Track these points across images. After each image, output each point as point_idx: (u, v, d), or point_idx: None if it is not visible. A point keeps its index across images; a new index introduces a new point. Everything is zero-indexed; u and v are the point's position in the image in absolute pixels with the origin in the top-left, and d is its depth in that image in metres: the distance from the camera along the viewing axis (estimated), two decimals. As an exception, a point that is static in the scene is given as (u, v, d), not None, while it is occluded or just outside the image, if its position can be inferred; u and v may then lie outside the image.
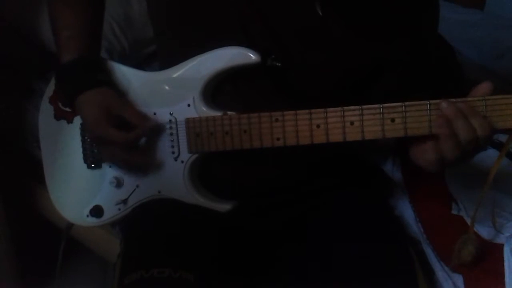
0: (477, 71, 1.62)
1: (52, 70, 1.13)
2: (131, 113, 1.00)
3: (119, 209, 1.08)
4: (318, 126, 0.88)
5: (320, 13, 0.94)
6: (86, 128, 1.05)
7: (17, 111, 1.57)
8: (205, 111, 0.97)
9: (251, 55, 0.93)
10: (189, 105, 0.98)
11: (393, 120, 0.84)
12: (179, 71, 1.00)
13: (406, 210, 1.19)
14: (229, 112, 0.95)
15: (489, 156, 1.30)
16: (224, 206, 1.01)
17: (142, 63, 1.59)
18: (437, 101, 0.83)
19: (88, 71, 1.02)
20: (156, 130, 1.01)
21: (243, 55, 0.94)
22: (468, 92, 0.84)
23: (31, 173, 1.51)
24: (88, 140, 1.10)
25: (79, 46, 1.03)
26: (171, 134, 1.00)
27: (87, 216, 1.11)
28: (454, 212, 1.15)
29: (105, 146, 1.02)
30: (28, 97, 1.57)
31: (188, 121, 0.98)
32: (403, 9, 0.95)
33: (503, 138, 1.27)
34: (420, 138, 0.86)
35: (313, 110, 0.88)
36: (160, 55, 1.17)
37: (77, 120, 1.11)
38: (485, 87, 0.83)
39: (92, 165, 1.10)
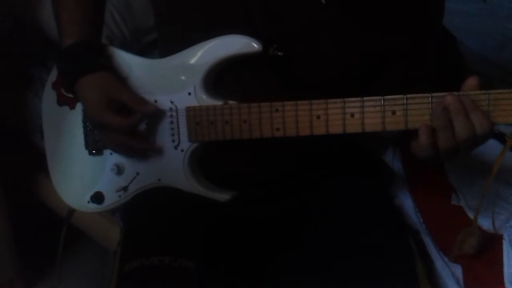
0: (479, 62, 1.61)
1: (53, 58, 1.12)
2: (130, 98, 1.00)
3: (120, 196, 1.08)
4: (318, 117, 0.88)
5: (323, 1, 0.93)
6: (86, 112, 1.05)
7: (18, 99, 1.57)
8: (206, 100, 0.97)
9: (253, 44, 0.93)
10: (190, 94, 0.98)
11: (394, 112, 0.84)
12: (180, 59, 0.99)
13: (406, 200, 1.19)
14: (229, 102, 0.95)
15: (489, 146, 1.30)
16: (223, 196, 1.01)
17: (142, 51, 1.59)
18: (439, 94, 0.82)
19: (89, 55, 1.02)
20: (156, 115, 1.01)
21: (245, 44, 0.93)
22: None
23: (32, 161, 1.52)
24: (90, 126, 1.10)
25: (80, 31, 1.03)
26: (172, 122, 1.00)
27: (88, 202, 1.11)
28: (454, 202, 1.15)
29: (105, 131, 1.02)
30: (29, 85, 1.57)
31: (188, 109, 0.98)
32: (406, 1, 0.95)
33: (504, 128, 1.28)
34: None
35: (313, 101, 0.88)
36: (161, 43, 1.16)
37: (79, 107, 1.11)
38: (471, 82, 0.82)
39: (93, 152, 1.11)
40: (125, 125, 0.99)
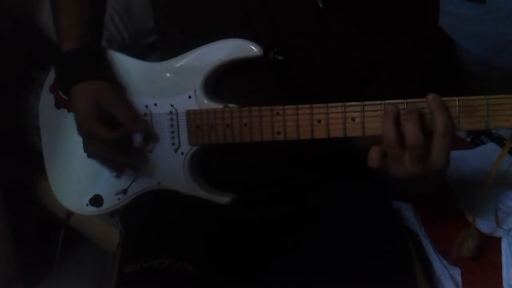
0: (477, 65, 1.62)
1: (52, 59, 1.12)
2: (121, 110, 0.99)
3: (119, 199, 1.08)
4: (319, 121, 0.88)
5: (321, 6, 0.93)
6: (75, 119, 1.05)
7: (17, 101, 1.57)
8: (206, 103, 0.97)
9: (254, 47, 0.93)
10: (190, 97, 0.98)
11: None
12: (180, 62, 0.99)
13: (405, 203, 1.19)
14: (230, 105, 0.95)
15: (488, 150, 1.31)
16: (223, 199, 1.01)
17: (142, 54, 1.59)
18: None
19: (87, 62, 1.02)
20: (145, 132, 1.01)
21: (245, 48, 0.93)
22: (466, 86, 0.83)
23: (30, 163, 1.51)
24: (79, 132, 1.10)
25: (80, 36, 1.03)
26: (172, 125, 1.00)
27: (87, 205, 1.11)
28: (452, 205, 1.16)
29: (91, 141, 1.02)
30: (28, 87, 1.57)
31: (189, 113, 0.98)
32: (404, 5, 0.95)
33: (502, 132, 1.28)
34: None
35: (314, 105, 0.88)
36: (160, 46, 1.16)
37: (77, 110, 1.11)
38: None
39: (92, 155, 1.10)
40: (109, 137, 0.99)
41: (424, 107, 0.81)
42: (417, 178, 0.81)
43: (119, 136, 0.99)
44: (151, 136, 1.02)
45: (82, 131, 1.03)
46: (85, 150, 1.11)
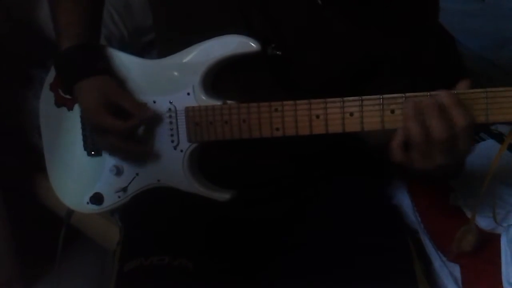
0: (477, 62, 1.62)
1: (51, 57, 1.12)
2: (129, 101, 1.00)
3: (119, 197, 1.08)
4: (317, 116, 0.88)
5: (320, 2, 0.94)
6: (84, 116, 1.05)
7: (17, 99, 1.57)
8: (205, 100, 0.97)
9: (252, 43, 0.93)
10: (188, 94, 0.98)
11: (393, 111, 0.84)
12: (179, 59, 0.99)
13: (404, 200, 1.20)
14: (228, 101, 0.95)
15: (487, 146, 1.31)
16: (223, 196, 1.01)
17: (141, 51, 1.59)
18: (437, 92, 0.82)
19: (87, 59, 1.02)
20: (154, 119, 1.01)
21: (243, 44, 0.93)
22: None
23: (30, 161, 1.51)
24: (88, 127, 1.10)
25: (78, 33, 1.03)
26: (171, 122, 1.00)
27: (87, 203, 1.11)
28: (452, 202, 1.16)
29: (102, 134, 1.02)
30: (27, 85, 1.57)
31: (187, 110, 0.98)
32: (403, 1, 0.95)
33: (502, 128, 1.28)
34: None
35: (312, 101, 0.88)
36: (158, 43, 1.16)
37: (78, 108, 1.11)
38: (462, 86, 0.82)
39: (92, 153, 1.11)
40: (122, 128, 0.99)
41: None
42: (445, 167, 0.82)
43: (131, 125, 0.99)
44: (152, 132, 1.02)
45: (92, 126, 1.04)
46: (85, 148, 1.11)
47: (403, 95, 0.83)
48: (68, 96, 1.12)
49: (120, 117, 0.99)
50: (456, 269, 1.05)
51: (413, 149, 0.81)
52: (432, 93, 0.82)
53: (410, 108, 0.81)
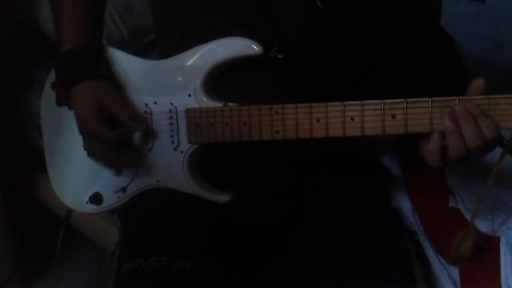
0: (477, 64, 1.62)
1: (52, 58, 1.12)
2: (123, 110, 0.99)
3: (118, 197, 1.08)
4: (318, 120, 0.88)
5: (320, 5, 0.93)
6: (76, 119, 1.05)
7: (17, 99, 1.57)
8: (206, 102, 0.97)
9: (254, 46, 0.93)
10: (190, 95, 0.98)
11: (394, 116, 0.84)
12: (180, 61, 0.99)
13: (404, 202, 1.20)
14: (229, 104, 0.95)
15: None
16: (222, 197, 1.01)
17: (141, 52, 1.59)
18: (439, 98, 0.82)
19: (87, 62, 1.02)
20: (146, 130, 1.01)
21: (245, 46, 0.93)
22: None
23: (30, 161, 1.51)
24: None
25: (79, 35, 1.03)
26: (171, 123, 1.00)
27: (87, 203, 1.11)
28: (451, 204, 1.16)
29: (90, 140, 1.02)
30: (28, 85, 1.57)
31: (188, 111, 0.98)
32: (403, 3, 0.95)
33: (503, 132, 1.28)
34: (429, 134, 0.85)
35: (313, 104, 0.88)
36: (159, 45, 1.16)
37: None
38: (477, 83, 0.83)
39: (92, 153, 1.11)
40: (109, 136, 0.99)
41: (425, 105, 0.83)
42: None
43: (120, 135, 0.99)
44: (150, 135, 1.02)
45: (82, 130, 1.03)
46: (85, 148, 1.11)
47: (404, 100, 0.83)
48: (68, 96, 1.12)
49: (113, 125, 0.99)
50: (455, 272, 1.05)
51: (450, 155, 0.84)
52: (434, 99, 0.83)
53: (448, 118, 0.82)
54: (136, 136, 1.03)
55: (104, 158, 1.03)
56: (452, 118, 0.82)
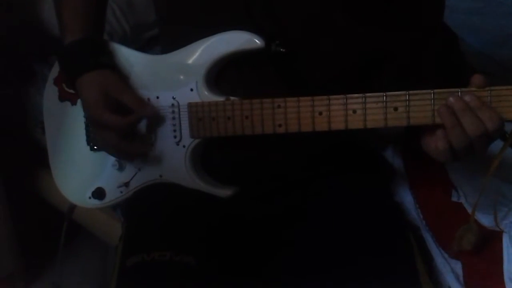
0: (479, 59, 1.61)
1: (54, 53, 1.13)
2: (129, 97, 0.99)
3: (121, 192, 1.08)
4: (320, 113, 0.88)
5: None
6: (84, 110, 1.05)
7: (19, 94, 1.57)
8: (208, 96, 0.97)
9: (256, 40, 0.93)
10: (192, 90, 0.98)
11: (396, 108, 0.84)
12: (182, 55, 0.99)
13: (406, 196, 1.19)
14: (231, 97, 0.95)
15: (490, 143, 1.30)
16: (225, 192, 1.01)
17: (143, 47, 1.59)
18: (441, 90, 0.82)
19: (91, 53, 1.02)
20: (154, 116, 1.01)
21: (247, 40, 0.93)
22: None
23: (33, 156, 1.52)
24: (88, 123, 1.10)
25: (82, 27, 1.03)
26: (173, 118, 1.00)
27: (90, 198, 1.11)
28: (454, 199, 1.15)
29: (100, 130, 1.02)
30: (30, 81, 1.57)
31: (190, 105, 0.98)
32: None
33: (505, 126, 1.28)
34: (432, 127, 0.85)
35: (315, 97, 0.88)
36: (162, 39, 1.16)
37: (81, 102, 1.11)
38: (476, 81, 0.82)
39: (95, 148, 1.11)
40: (121, 124, 0.98)
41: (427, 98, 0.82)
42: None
43: (129, 122, 0.99)
44: (154, 127, 1.02)
45: (93, 121, 1.03)
46: (88, 143, 1.11)
47: (406, 92, 0.83)
48: (71, 91, 1.12)
49: (120, 114, 0.99)
50: (458, 266, 1.05)
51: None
52: (436, 91, 0.82)
53: (446, 111, 0.82)
54: (140, 130, 1.03)
55: (116, 147, 1.03)
56: (448, 110, 0.81)
